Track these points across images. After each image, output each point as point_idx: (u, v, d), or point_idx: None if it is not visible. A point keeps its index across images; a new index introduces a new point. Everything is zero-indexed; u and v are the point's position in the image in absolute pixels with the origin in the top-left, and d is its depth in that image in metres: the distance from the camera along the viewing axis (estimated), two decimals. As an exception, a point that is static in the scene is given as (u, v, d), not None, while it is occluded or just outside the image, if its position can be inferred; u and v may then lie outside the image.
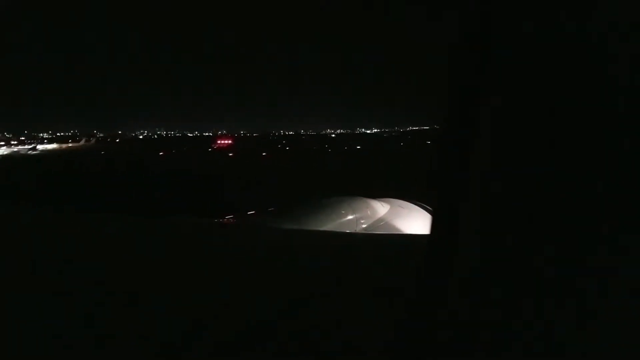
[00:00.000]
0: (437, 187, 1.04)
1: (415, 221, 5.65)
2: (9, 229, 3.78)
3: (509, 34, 0.92)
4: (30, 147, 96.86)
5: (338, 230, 4.97)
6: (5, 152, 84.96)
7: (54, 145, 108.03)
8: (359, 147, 75.82)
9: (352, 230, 5.14)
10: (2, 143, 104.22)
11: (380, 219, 5.55)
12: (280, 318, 1.94)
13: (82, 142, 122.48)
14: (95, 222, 4.33)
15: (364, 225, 5.35)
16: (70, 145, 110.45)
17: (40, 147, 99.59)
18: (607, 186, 0.84)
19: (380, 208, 5.67)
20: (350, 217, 5.31)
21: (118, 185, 26.34)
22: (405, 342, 1.13)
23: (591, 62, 0.86)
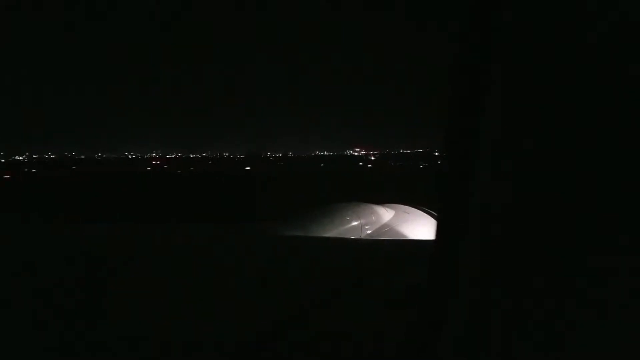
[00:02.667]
0: (441, 193, 1.05)
1: (420, 227, 5.59)
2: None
3: (509, 41, 0.92)
4: None
5: (343, 236, 4.92)
6: None
7: None
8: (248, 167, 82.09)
9: (358, 236, 5.07)
10: None
11: (385, 225, 5.49)
12: (287, 325, 1.94)
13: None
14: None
15: (369, 231, 5.30)
16: None
17: None
18: (607, 189, 0.85)
19: (385, 214, 5.59)
20: (355, 223, 5.23)
21: None
22: (413, 346, 1.15)
23: (592, 68, 0.86)
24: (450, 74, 1.03)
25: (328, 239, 4.54)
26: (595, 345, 0.86)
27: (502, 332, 0.93)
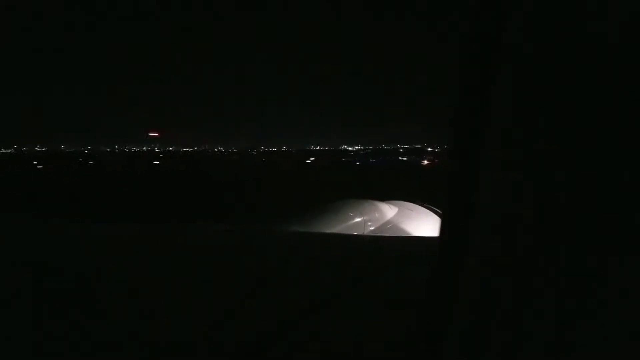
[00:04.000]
0: (447, 190, 1.05)
1: (423, 224, 5.58)
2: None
3: (511, 40, 0.92)
4: None
5: (346, 232, 4.93)
6: None
7: None
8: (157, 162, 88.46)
9: (360, 233, 5.07)
10: None
11: (389, 222, 5.49)
12: (287, 324, 1.93)
13: None
14: None
15: (371, 228, 5.30)
16: None
17: None
18: (607, 189, 0.84)
19: (389, 210, 5.58)
20: (358, 219, 5.23)
21: None
22: (413, 346, 1.14)
23: (592, 68, 0.85)
24: (452, 75, 1.03)
25: (329, 235, 4.54)
26: (595, 345, 0.86)
27: (503, 332, 0.93)
